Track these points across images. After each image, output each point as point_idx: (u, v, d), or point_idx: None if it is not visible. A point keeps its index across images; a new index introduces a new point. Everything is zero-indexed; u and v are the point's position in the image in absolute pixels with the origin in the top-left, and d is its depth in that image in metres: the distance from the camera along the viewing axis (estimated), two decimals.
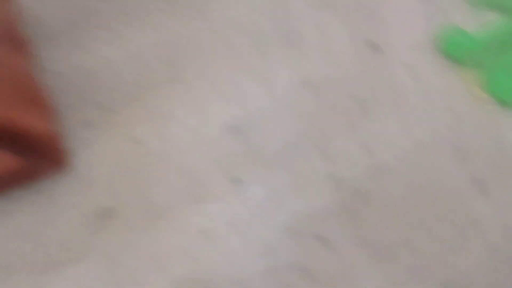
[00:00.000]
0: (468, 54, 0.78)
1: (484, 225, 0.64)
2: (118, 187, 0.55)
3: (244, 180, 0.59)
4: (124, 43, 0.65)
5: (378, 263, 0.59)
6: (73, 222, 0.52)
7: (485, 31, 0.79)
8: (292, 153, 0.63)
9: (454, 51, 0.78)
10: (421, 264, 0.60)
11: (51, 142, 0.52)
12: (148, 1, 0.69)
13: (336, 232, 0.59)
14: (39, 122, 0.51)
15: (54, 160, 0.53)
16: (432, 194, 0.65)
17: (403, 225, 0.62)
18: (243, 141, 0.62)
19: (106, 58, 0.63)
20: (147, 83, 0.63)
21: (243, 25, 0.71)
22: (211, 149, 0.61)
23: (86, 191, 0.54)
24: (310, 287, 0.55)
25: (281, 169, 0.62)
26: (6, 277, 0.48)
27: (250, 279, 0.53)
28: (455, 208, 0.65)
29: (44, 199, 0.53)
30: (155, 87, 0.63)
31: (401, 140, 0.68)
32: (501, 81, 0.76)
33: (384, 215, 0.62)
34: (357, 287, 0.56)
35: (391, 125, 0.69)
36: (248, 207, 0.58)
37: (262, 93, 0.66)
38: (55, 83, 0.59)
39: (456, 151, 0.69)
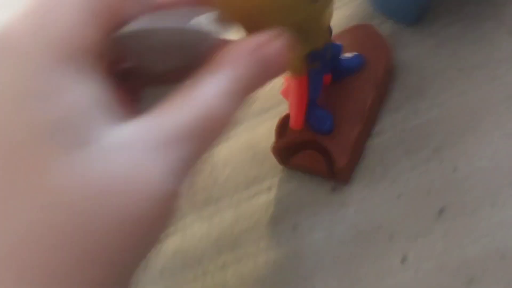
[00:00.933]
0: None
1: None
2: (444, 194, 0.80)
3: None
4: (439, 104, 0.87)
5: None
6: (418, 214, 0.76)
7: None
8: None
9: None
10: None
11: None
12: (453, 71, 0.90)
13: None
14: None
15: None
16: None
17: None
18: None
19: (431, 116, 0.87)
20: (452, 134, 0.83)
21: None
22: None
23: (425, 198, 0.80)
24: None
25: None
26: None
27: None
28: None
29: None
30: (458, 136, 0.83)
31: None
32: None
33: None
34: None
35: None
36: None
37: None
38: None
39: None
